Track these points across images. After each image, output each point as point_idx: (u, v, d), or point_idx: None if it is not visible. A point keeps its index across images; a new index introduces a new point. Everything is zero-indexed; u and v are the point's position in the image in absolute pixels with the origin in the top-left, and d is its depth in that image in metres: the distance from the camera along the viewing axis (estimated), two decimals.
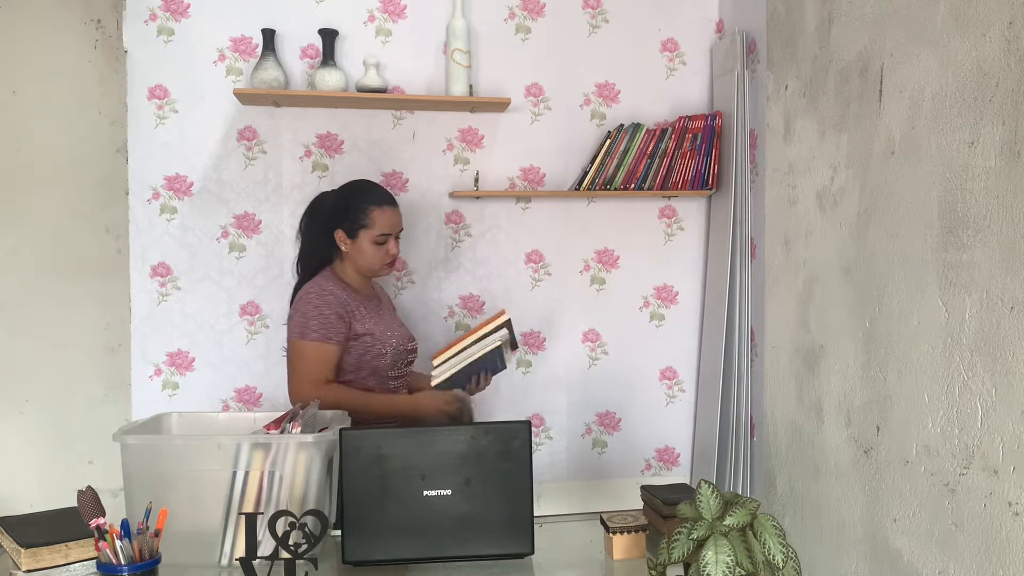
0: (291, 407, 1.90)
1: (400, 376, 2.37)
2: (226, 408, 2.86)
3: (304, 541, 1.42)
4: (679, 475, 3.16)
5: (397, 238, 2.36)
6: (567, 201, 3.07)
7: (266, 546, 1.44)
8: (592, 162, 2.96)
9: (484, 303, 3.03)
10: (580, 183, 2.96)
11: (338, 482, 1.65)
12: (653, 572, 1.36)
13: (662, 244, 3.15)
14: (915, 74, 1.95)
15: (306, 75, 2.86)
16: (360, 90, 2.78)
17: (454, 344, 2.35)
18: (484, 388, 2.41)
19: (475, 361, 2.31)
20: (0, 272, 2.73)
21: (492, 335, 2.33)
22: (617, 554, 1.65)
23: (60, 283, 2.77)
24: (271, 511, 1.53)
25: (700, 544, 1.27)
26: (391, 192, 2.39)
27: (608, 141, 2.96)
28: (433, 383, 2.29)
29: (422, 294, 2.99)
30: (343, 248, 2.32)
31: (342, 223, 2.30)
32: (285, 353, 2.38)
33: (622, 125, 2.99)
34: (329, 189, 2.43)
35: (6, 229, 2.73)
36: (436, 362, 2.31)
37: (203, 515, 1.58)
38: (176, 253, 2.83)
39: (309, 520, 1.43)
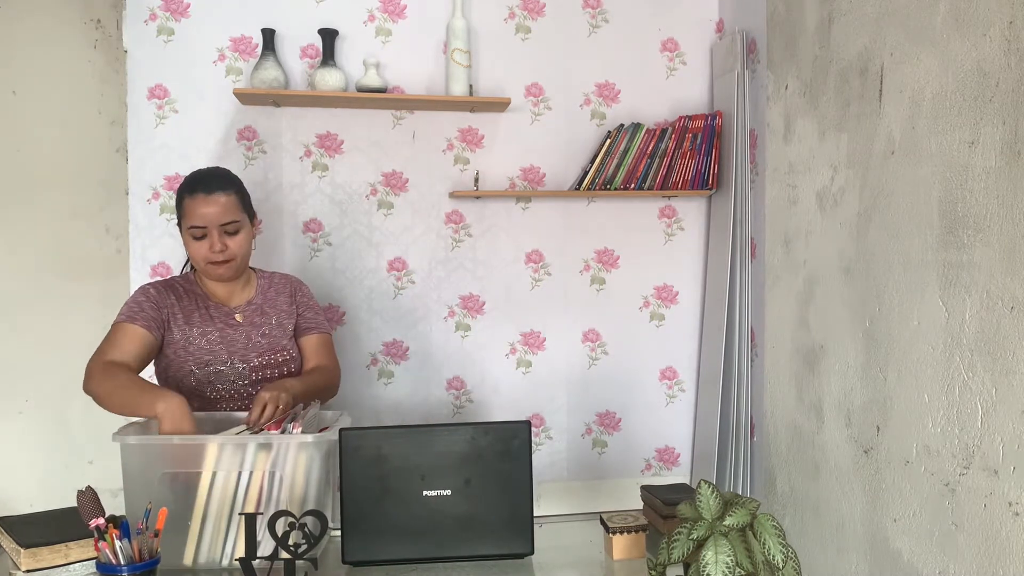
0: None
1: (222, 399, 2.00)
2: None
3: (304, 541, 1.42)
4: (679, 475, 3.16)
5: (228, 233, 1.97)
6: (567, 201, 3.07)
7: (266, 546, 1.44)
8: (592, 162, 2.96)
9: (484, 303, 3.03)
10: (580, 183, 2.96)
11: (338, 482, 1.65)
12: (653, 572, 1.36)
13: (662, 244, 3.15)
14: (915, 74, 1.95)
15: (306, 75, 2.86)
16: (360, 90, 2.78)
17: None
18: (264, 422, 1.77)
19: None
20: (0, 272, 2.73)
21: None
22: (617, 554, 1.65)
23: (60, 283, 2.77)
24: (271, 511, 1.53)
25: (700, 544, 1.27)
26: (237, 179, 2.05)
27: (608, 141, 2.96)
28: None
29: (422, 294, 2.99)
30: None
31: (177, 216, 2.02)
32: None
33: (622, 125, 2.99)
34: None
35: (6, 229, 2.73)
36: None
37: (203, 515, 1.58)
38: (176, 253, 2.83)
39: (309, 520, 1.43)
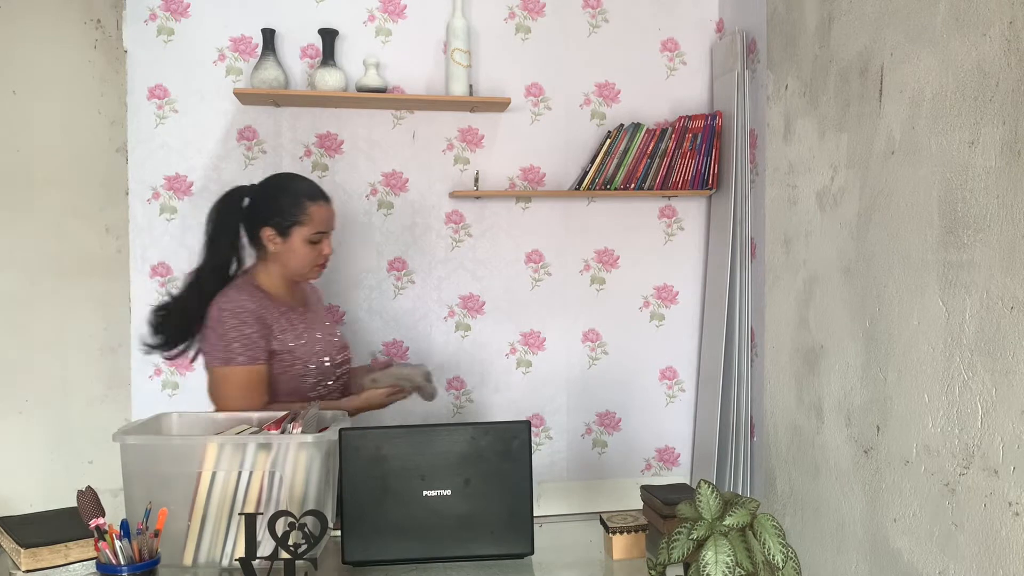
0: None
1: (326, 395, 2.12)
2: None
3: (304, 541, 1.42)
4: (679, 475, 3.16)
5: (329, 237, 2.12)
6: (567, 201, 3.07)
7: (266, 546, 1.44)
8: (592, 162, 2.96)
9: (484, 303, 3.03)
10: (580, 183, 2.96)
11: (338, 482, 1.65)
12: (653, 572, 1.36)
13: (662, 244, 3.15)
14: (915, 74, 1.95)
15: (306, 75, 2.86)
16: (360, 90, 2.78)
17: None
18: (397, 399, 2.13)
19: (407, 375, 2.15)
20: (0, 272, 2.73)
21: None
22: (617, 554, 1.65)
23: (60, 283, 2.77)
24: (271, 511, 1.53)
25: (700, 544, 1.27)
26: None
27: (608, 141, 2.96)
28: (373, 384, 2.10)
29: (422, 294, 2.99)
30: (271, 248, 2.05)
31: (271, 220, 2.03)
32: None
33: (622, 125, 2.99)
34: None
35: (6, 229, 2.73)
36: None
37: (203, 515, 1.58)
38: (176, 253, 2.83)
39: (309, 520, 1.43)
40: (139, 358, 2.83)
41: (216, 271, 2.06)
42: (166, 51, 2.80)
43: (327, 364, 2.11)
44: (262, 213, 2.05)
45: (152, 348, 2.13)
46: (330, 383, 2.13)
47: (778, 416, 2.61)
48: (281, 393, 2.04)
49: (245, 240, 2.11)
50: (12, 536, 1.50)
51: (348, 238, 2.93)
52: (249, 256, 2.13)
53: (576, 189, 2.97)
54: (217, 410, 1.97)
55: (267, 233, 2.04)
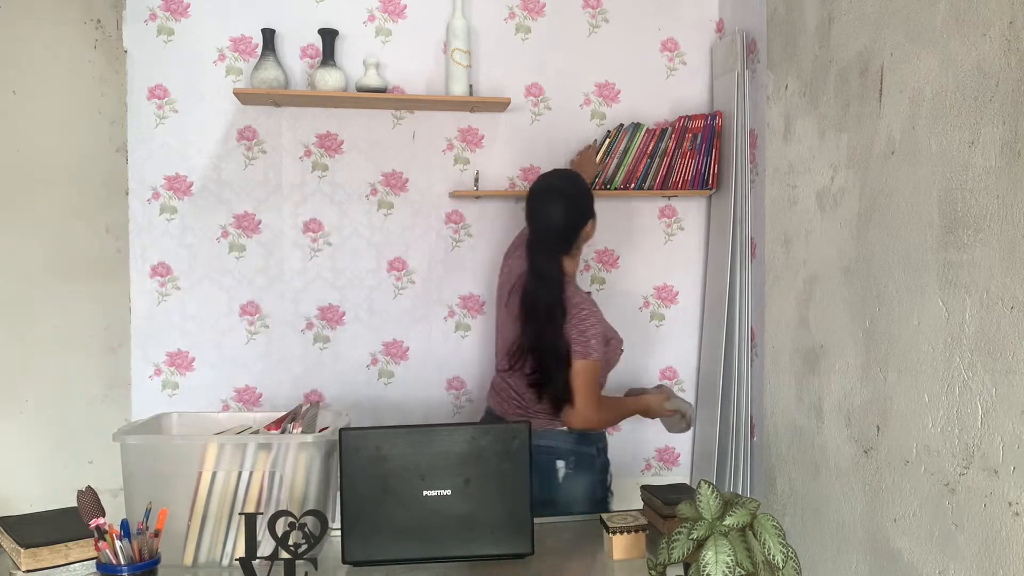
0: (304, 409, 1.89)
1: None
2: (226, 408, 2.86)
3: (304, 541, 1.42)
4: (679, 475, 3.16)
5: None
6: None
7: (266, 546, 1.44)
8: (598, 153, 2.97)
9: (484, 303, 3.03)
10: None
11: (338, 482, 1.65)
12: (653, 572, 1.36)
13: (662, 244, 3.14)
14: (915, 74, 1.95)
15: (306, 75, 2.86)
16: (360, 90, 2.78)
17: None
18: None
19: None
20: (0, 272, 2.73)
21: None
22: (617, 554, 1.65)
23: (60, 283, 2.77)
24: (271, 511, 1.53)
25: (700, 544, 1.27)
26: None
27: (608, 140, 2.96)
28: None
29: (422, 294, 2.99)
30: (587, 240, 2.32)
31: (593, 213, 2.30)
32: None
33: (622, 125, 2.99)
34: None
35: (6, 229, 2.73)
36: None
37: (203, 515, 1.58)
38: (176, 253, 2.83)
39: (309, 520, 1.43)
40: (139, 358, 2.83)
41: (543, 258, 2.25)
42: (166, 51, 2.80)
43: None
44: (588, 208, 2.29)
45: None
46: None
47: (778, 416, 2.61)
48: (603, 376, 2.33)
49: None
50: (12, 536, 1.50)
51: (348, 238, 2.93)
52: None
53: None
54: (576, 402, 2.21)
55: (590, 225, 2.30)
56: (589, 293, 2.45)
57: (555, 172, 2.45)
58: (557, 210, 2.24)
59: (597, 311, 2.28)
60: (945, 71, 1.85)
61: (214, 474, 1.58)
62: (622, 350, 2.44)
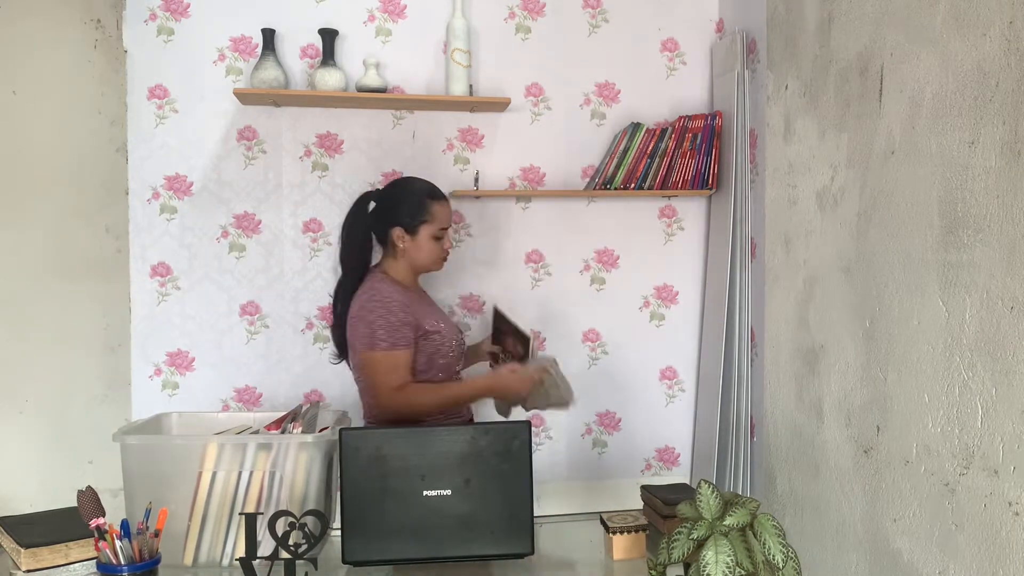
0: (296, 408, 1.89)
1: (457, 373, 2.36)
2: (226, 408, 2.86)
3: (304, 541, 1.42)
4: (679, 475, 3.16)
5: (449, 232, 2.34)
6: (567, 201, 3.07)
7: (266, 546, 1.44)
8: (608, 156, 3.00)
9: (484, 303, 3.03)
10: (594, 180, 3.01)
11: (338, 482, 1.65)
12: (653, 572, 1.36)
13: (662, 244, 3.14)
14: (915, 74, 1.95)
15: (306, 75, 2.86)
16: (360, 90, 2.78)
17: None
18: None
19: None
20: (0, 272, 2.73)
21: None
22: (617, 554, 1.65)
23: (60, 283, 2.77)
24: (271, 511, 1.53)
25: (700, 544, 1.27)
26: None
27: (623, 137, 2.98)
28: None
29: None
30: (400, 245, 2.24)
31: (401, 220, 2.24)
32: (352, 366, 2.26)
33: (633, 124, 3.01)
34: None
35: (6, 229, 2.73)
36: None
37: (203, 515, 1.58)
38: (176, 253, 2.83)
39: (309, 520, 1.43)
40: (139, 358, 2.83)
41: (355, 272, 2.27)
42: (166, 51, 2.79)
43: (461, 343, 2.33)
44: (391, 214, 2.24)
45: (340, 360, 2.35)
46: (461, 362, 2.37)
47: (778, 416, 2.61)
48: (434, 370, 2.22)
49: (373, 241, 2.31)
50: (12, 536, 1.50)
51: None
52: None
53: (592, 187, 3.00)
54: (371, 394, 2.14)
55: (397, 232, 2.23)
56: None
57: (398, 179, 2.47)
58: (363, 208, 2.30)
59: (390, 301, 2.14)
60: (945, 71, 1.85)
61: (214, 474, 1.58)
62: (457, 343, 2.30)
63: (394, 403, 2.10)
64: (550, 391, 2.25)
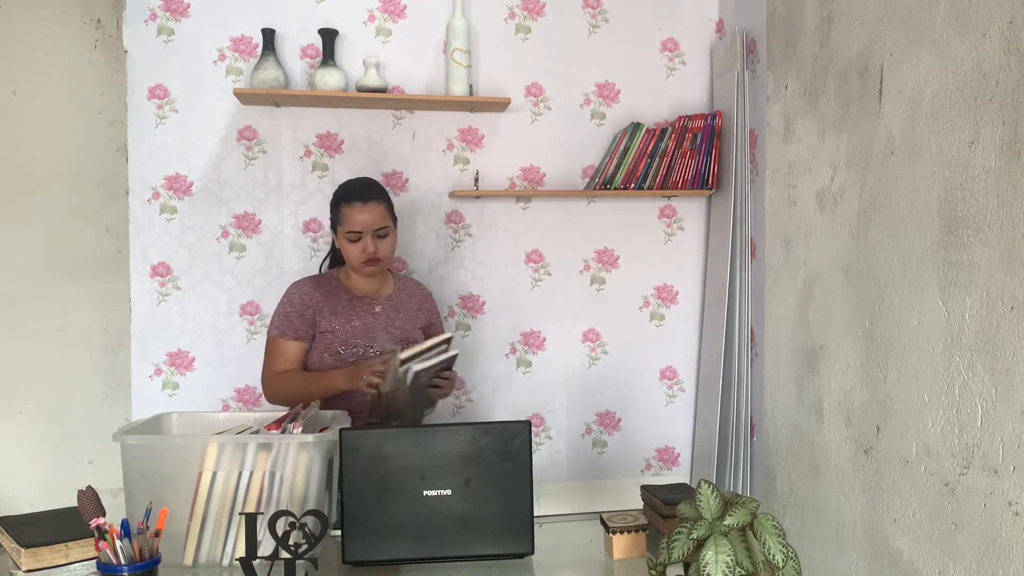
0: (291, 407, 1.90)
1: None
2: (226, 408, 2.86)
3: (304, 541, 1.42)
4: (679, 475, 3.16)
5: (379, 236, 2.27)
6: (567, 201, 3.07)
7: (266, 546, 1.44)
8: (607, 157, 2.99)
9: (484, 303, 3.03)
10: (593, 180, 3.01)
11: (338, 482, 1.65)
12: (653, 572, 1.36)
13: (662, 244, 3.15)
14: (915, 74, 1.95)
15: (306, 75, 2.86)
16: (360, 90, 2.78)
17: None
18: (447, 391, 2.29)
19: (434, 353, 2.18)
20: (0, 272, 2.73)
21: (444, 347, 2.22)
22: (617, 554, 1.65)
23: (60, 283, 2.77)
24: (271, 511, 1.53)
25: (700, 544, 1.27)
26: (385, 190, 2.35)
27: (623, 137, 2.98)
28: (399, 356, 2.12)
29: None
30: (337, 245, 2.35)
31: (331, 221, 2.35)
32: None
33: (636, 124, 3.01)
34: (330, 189, 2.42)
35: (6, 229, 2.73)
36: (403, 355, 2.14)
37: (203, 515, 1.58)
38: (176, 253, 2.83)
39: (309, 520, 1.43)
40: (139, 358, 2.83)
41: (331, 261, 2.49)
42: (166, 51, 2.79)
43: (370, 351, 2.27)
44: (334, 219, 2.33)
45: None
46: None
47: (778, 416, 2.61)
48: (323, 362, 2.27)
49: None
50: (12, 536, 1.50)
51: None
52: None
53: (592, 186, 2.99)
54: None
55: (338, 236, 2.31)
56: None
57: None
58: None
59: (293, 294, 2.31)
60: (945, 71, 1.85)
61: (214, 474, 1.58)
62: (351, 347, 2.26)
63: (268, 386, 2.28)
64: (395, 396, 2.11)
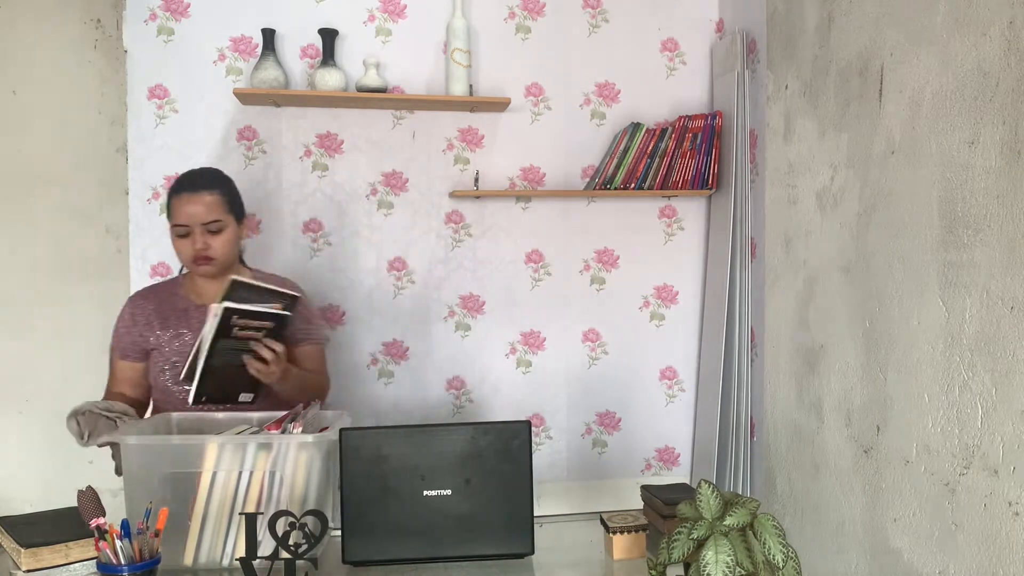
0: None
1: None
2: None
3: (304, 541, 1.42)
4: (679, 475, 3.16)
5: (211, 231, 2.00)
6: (567, 201, 3.07)
7: (266, 546, 1.44)
8: (607, 157, 2.99)
9: (484, 303, 3.03)
10: (594, 179, 3.01)
11: (338, 482, 1.65)
12: (653, 572, 1.36)
13: (662, 244, 3.15)
14: (915, 74, 1.95)
15: (306, 75, 2.86)
16: (360, 90, 2.78)
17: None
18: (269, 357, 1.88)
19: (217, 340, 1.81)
20: (0, 272, 2.73)
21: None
22: (617, 554, 1.65)
23: (60, 283, 2.77)
24: (271, 511, 1.53)
25: (700, 544, 1.27)
26: (225, 179, 2.11)
27: (623, 137, 2.98)
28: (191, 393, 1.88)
29: (422, 294, 2.99)
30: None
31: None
32: None
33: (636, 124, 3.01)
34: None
35: (6, 229, 2.73)
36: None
37: (203, 515, 1.58)
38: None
39: (309, 520, 1.43)
40: None
41: None
42: (166, 51, 2.79)
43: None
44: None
45: None
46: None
47: (778, 416, 2.61)
48: (156, 388, 2.10)
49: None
50: (12, 536, 1.50)
51: (348, 238, 2.93)
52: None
53: (592, 186, 2.99)
54: None
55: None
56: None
57: None
58: None
59: (123, 311, 2.09)
60: (945, 71, 1.85)
61: (214, 474, 1.58)
62: (166, 369, 2.05)
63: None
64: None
